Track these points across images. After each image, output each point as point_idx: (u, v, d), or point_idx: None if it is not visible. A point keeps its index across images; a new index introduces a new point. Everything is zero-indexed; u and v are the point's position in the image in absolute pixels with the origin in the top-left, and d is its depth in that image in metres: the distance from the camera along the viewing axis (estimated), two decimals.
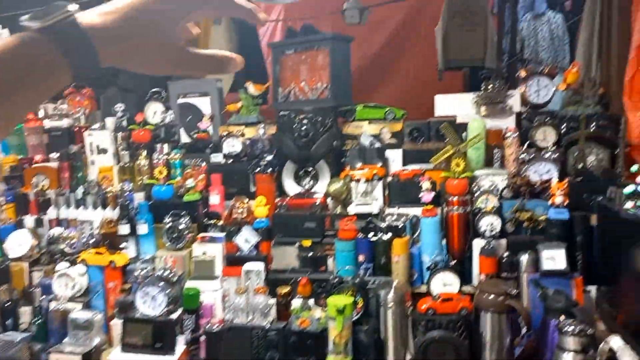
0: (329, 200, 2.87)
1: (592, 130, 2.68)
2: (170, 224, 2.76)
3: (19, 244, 2.81)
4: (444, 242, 2.60)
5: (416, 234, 2.67)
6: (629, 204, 2.13)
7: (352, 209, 2.78)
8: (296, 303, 2.50)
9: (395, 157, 2.99)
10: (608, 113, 2.77)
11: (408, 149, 2.97)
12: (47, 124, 3.39)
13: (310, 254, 2.68)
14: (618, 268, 2.13)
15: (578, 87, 2.82)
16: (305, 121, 2.94)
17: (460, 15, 4.23)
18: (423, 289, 2.50)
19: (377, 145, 3.01)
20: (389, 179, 2.85)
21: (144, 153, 3.11)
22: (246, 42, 4.62)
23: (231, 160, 3.09)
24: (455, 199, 2.57)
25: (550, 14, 5.31)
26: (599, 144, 2.66)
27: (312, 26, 5.44)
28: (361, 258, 2.56)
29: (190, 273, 2.74)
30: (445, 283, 2.40)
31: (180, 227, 2.76)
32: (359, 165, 2.93)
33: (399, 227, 2.58)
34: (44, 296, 2.63)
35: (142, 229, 2.82)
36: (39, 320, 2.55)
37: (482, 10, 4.21)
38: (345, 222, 2.59)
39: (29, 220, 2.94)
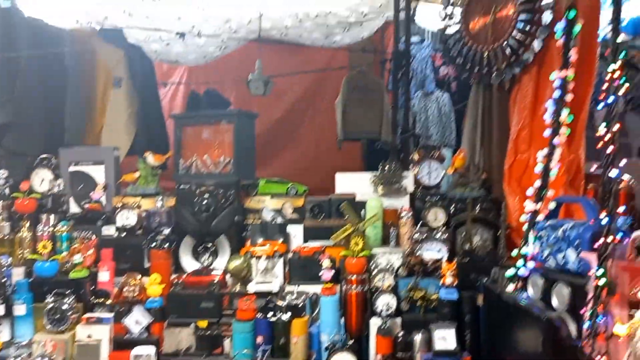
0: (228, 277, 2.80)
1: (477, 212, 2.90)
2: (52, 304, 2.54)
3: None
4: (342, 320, 2.62)
5: (315, 312, 2.67)
6: (510, 287, 2.29)
7: (252, 287, 2.73)
8: None
9: (296, 232, 3.02)
10: (491, 197, 3.02)
11: (309, 226, 3.02)
12: None
13: (207, 335, 2.57)
14: (502, 348, 2.26)
15: (464, 171, 3.06)
16: (206, 195, 2.90)
17: (359, 91, 4.49)
18: None
19: (279, 220, 3.03)
20: (290, 255, 2.86)
21: (27, 224, 2.87)
22: (147, 105, 4.51)
23: (125, 233, 2.95)
24: (354, 277, 2.63)
25: (438, 93, 5.77)
26: (484, 226, 2.87)
27: (216, 91, 5.46)
28: (259, 339, 2.50)
29: (72, 359, 2.51)
30: None
31: (64, 307, 2.54)
32: (260, 240, 2.92)
33: (299, 306, 2.56)
34: None
35: (20, 309, 2.56)
36: None
37: (379, 87, 4.50)
38: (244, 302, 2.53)
39: None
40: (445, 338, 2.37)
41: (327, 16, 4.50)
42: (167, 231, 2.93)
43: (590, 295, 1.81)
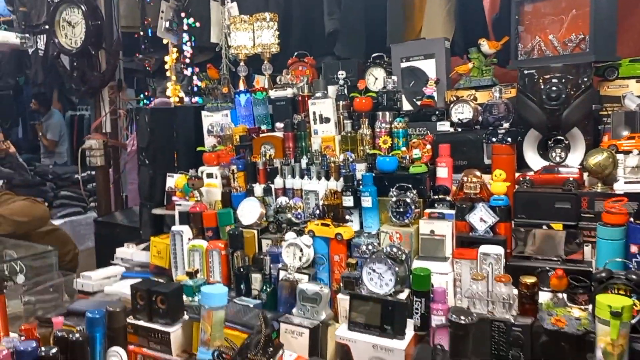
0: (585, 176, 2.37)
1: None
2: (396, 197, 2.55)
3: (249, 211, 2.87)
4: None
5: None
6: None
7: (618, 187, 2.25)
8: (544, 297, 2.12)
9: None
10: None
11: None
12: (272, 94, 3.44)
13: (562, 240, 2.24)
14: None
15: None
16: (554, 80, 2.46)
17: None
18: None
19: None
20: None
21: (366, 122, 2.94)
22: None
23: (460, 129, 2.76)
24: None
25: None
26: None
27: None
28: (634, 249, 2.06)
29: (417, 252, 2.51)
30: None
31: (407, 200, 2.53)
32: (625, 134, 2.37)
33: None
34: (272, 264, 2.65)
35: (367, 201, 2.66)
36: (269, 289, 2.56)
37: None
38: (613, 204, 2.09)
39: (258, 188, 3.00)
40: None
41: None
42: (506, 125, 2.64)
43: None
